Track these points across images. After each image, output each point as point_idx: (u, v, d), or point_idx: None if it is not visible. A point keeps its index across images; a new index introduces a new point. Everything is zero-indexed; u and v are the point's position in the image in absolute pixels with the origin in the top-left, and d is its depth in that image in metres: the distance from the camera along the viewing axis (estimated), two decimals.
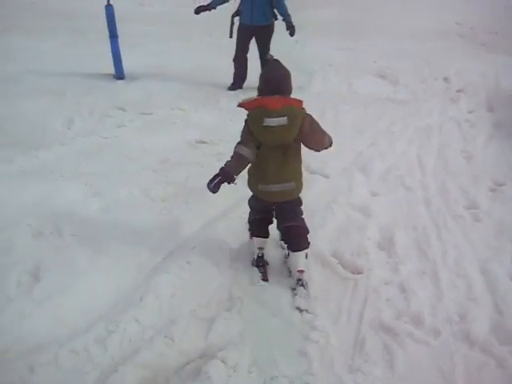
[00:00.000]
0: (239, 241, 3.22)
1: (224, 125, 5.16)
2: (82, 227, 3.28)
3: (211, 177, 2.55)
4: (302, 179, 2.76)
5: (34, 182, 3.85)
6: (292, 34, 5.79)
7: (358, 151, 4.65)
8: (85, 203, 3.61)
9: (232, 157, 2.59)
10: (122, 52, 6.67)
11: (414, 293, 2.79)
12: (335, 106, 5.87)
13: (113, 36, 6.47)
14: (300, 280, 2.81)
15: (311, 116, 2.59)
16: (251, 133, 2.56)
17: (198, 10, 5.92)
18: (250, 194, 2.84)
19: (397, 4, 17.55)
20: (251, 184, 2.77)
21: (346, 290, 2.85)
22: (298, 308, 2.68)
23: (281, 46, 5.86)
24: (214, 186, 2.54)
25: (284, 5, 5.69)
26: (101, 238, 3.18)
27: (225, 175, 2.55)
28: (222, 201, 3.60)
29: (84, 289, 2.73)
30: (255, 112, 2.52)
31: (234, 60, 6.24)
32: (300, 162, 2.73)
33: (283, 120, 2.47)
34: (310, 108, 2.64)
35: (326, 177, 4.10)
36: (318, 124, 2.62)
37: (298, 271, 2.82)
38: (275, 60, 2.62)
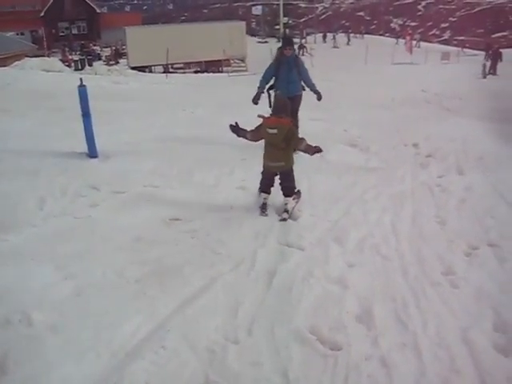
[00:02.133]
0: (215, 322, 3.11)
1: (198, 201, 5.16)
2: (53, 313, 3.15)
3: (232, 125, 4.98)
4: (290, 160, 4.80)
5: (3, 266, 3.73)
6: (319, 99, 7.12)
7: (333, 221, 4.66)
8: (56, 287, 3.49)
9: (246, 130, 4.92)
10: (98, 129, 6.74)
11: (395, 367, 2.71)
12: (309, 176, 5.95)
13: (85, 115, 6.54)
14: (286, 207, 4.79)
15: (294, 129, 4.81)
16: (260, 131, 4.75)
17: (256, 101, 6.94)
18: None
19: (369, 76, 18.45)
20: (263, 161, 4.86)
21: (326, 367, 2.75)
22: (282, 219, 4.68)
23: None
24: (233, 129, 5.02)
25: (310, 79, 7.04)
26: (73, 324, 3.05)
27: (236, 130, 5.01)
28: (197, 280, 3.55)
29: (55, 381, 2.59)
30: (264, 123, 4.71)
31: None
32: (288, 152, 4.75)
33: (274, 131, 4.61)
34: None
35: (302, 249, 4.07)
36: (297, 135, 4.81)
37: (285, 204, 4.81)
38: (279, 95, 5.66)
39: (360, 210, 4.94)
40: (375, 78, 18.45)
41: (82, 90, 6.42)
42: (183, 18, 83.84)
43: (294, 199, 4.85)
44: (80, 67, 28.94)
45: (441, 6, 67.84)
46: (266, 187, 4.90)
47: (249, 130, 4.84)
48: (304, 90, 7.02)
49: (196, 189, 5.51)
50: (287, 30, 50.28)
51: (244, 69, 28.08)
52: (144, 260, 3.88)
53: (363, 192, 5.51)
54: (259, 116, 4.70)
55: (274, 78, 6.88)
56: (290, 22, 64.90)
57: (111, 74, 24.20)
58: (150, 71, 28.46)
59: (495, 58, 21.46)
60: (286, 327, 3.04)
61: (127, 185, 5.59)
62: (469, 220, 4.77)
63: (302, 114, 7.22)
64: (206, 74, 27.26)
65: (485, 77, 20.38)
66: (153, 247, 4.12)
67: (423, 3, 69.84)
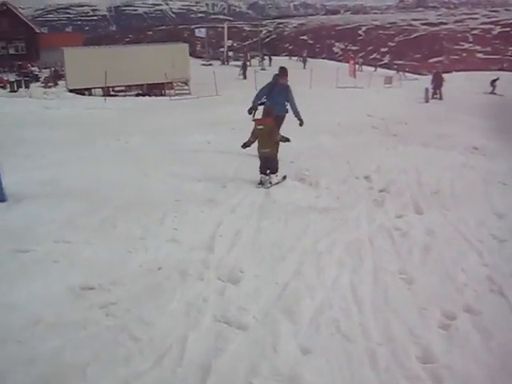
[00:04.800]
0: None
1: (120, 260, 4.23)
2: None
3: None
4: (273, 149, 6.86)
5: None
6: (301, 124, 8.06)
7: (282, 284, 3.85)
8: None
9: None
10: (12, 164, 5.75)
11: None
12: (252, 221, 5.17)
13: None
14: (270, 179, 6.75)
15: (274, 126, 6.89)
16: (254, 130, 6.80)
17: (250, 112, 8.07)
18: None
19: (314, 100, 18.12)
20: (258, 150, 6.87)
21: None
22: (266, 187, 6.60)
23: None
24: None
25: (296, 106, 8.02)
26: None
27: (248, 144, 6.99)
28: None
29: None
30: (255, 123, 6.87)
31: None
32: (271, 142, 6.80)
33: (261, 127, 6.74)
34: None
35: (244, 329, 3.23)
36: (275, 130, 6.90)
37: (270, 178, 6.74)
38: (267, 105, 7.41)
39: (313, 268, 4.15)
40: (320, 102, 18.13)
41: None
42: (127, 39, 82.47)
43: (276, 176, 6.92)
44: (15, 89, 27.11)
45: (380, 32, 70.24)
46: (262, 169, 6.84)
47: (250, 136, 6.94)
48: (287, 112, 8.16)
49: (118, 244, 4.56)
50: (231, 53, 50.22)
51: (187, 92, 27.20)
52: (34, 357, 2.91)
53: (315, 241, 4.76)
54: (253, 120, 7.17)
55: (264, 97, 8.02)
56: (235, 44, 65.16)
57: (47, 98, 22.79)
58: (90, 94, 27.04)
59: (439, 82, 21.90)
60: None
61: (34, 240, 4.56)
62: (438, 276, 4.10)
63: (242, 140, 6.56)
64: (148, 97, 26.22)
65: (427, 101, 20.58)
66: (51, 335, 3.15)
67: (364, 28, 72.07)
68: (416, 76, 39.22)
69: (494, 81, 23.89)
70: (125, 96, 27.12)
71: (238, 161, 8.10)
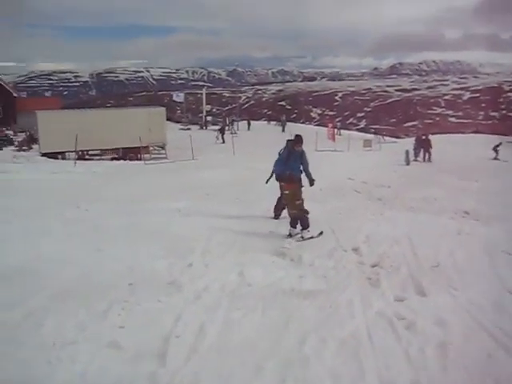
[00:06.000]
0: None
1: (32, 379, 3.09)
2: None
3: None
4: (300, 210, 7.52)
5: None
6: (311, 184, 7.96)
7: None
8: None
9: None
10: None
11: None
12: (220, 312, 4.13)
13: None
14: (297, 231, 7.46)
15: (297, 190, 7.57)
16: (282, 196, 8.01)
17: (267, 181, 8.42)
18: None
19: None
20: (287, 211, 7.83)
21: None
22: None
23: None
24: None
25: (308, 169, 7.98)
26: None
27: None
28: None
29: None
30: (282, 189, 7.82)
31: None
32: (296, 203, 7.51)
33: (287, 192, 7.69)
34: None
35: None
36: (298, 193, 7.57)
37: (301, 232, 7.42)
38: (291, 173, 7.67)
39: (300, 382, 3.09)
40: None
41: None
42: (108, 105, 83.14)
43: (308, 231, 7.34)
44: None
45: (356, 97, 72.23)
46: (292, 224, 7.36)
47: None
48: (301, 173, 8.12)
49: (39, 351, 3.42)
50: (210, 118, 50.46)
51: (164, 156, 26.46)
52: None
53: (301, 340, 3.71)
54: (281, 185, 7.81)
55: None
56: (214, 110, 65.93)
57: (16, 161, 21.82)
58: (64, 158, 26.07)
59: (426, 145, 21.76)
60: None
61: None
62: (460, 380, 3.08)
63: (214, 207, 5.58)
64: (123, 161, 25.38)
65: (408, 163, 20.18)
66: None
67: (340, 94, 74.12)
68: (394, 139, 39.47)
69: (496, 146, 23.57)
70: (99, 160, 26.26)
71: (209, 232, 7.13)
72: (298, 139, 8.26)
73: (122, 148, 27.42)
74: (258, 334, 3.82)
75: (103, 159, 26.94)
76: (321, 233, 7.46)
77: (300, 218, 7.47)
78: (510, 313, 4.42)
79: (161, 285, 4.89)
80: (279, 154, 8.28)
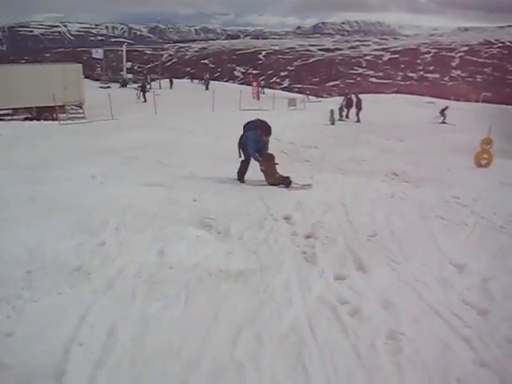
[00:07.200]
0: None
1: None
2: None
3: None
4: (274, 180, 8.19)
5: None
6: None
7: None
8: None
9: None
10: None
11: None
12: (136, 305, 3.38)
13: None
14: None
15: (270, 167, 8.41)
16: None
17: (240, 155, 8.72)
18: None
19: (217, 124, 16.66)
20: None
21: None
22: None
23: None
24: None
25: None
26: None
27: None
28: None
29: None
30: (260, 165, 8.49)
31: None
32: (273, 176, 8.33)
33: (263, 167, 8.47)
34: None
35: None
36: (272, 170, 8.41)
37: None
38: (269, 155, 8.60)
39: None
40: (224, 125, 16.69)
41: None
42: (23, 61, 76.48)
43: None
44: None
45: (279, 56, 71.51)
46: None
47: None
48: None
49: None
50: (130, 75, 47.86)
51: (81, 116, 24.49)
52: None
53: (232, 339, 3.06)
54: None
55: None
56: (135, 67, 62.57)
57: None
58: None
59: (358, 104, 21.70)
60: None
61: None
62: None
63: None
64: (36, 121, 23.14)
65: (333, 123, 20.00)
66: None
67: (263, 53, 73.00)
68: (319, 98, 39.43)
69: (443, 110, 23.63)
70: (10, 120, 23.79)
71: (126, 202, 6.24)
72: (268, 131, 8.68)
73: (36, 107, 25.05)
74: (181, 332, 3.12)
75: (14, 119, 24.48)
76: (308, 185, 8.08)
77: (282, 183, 8.12)
78: (457, 290, 4.05)
79: (64, 271, 4.01)
80: (246, 137, 8.54)
